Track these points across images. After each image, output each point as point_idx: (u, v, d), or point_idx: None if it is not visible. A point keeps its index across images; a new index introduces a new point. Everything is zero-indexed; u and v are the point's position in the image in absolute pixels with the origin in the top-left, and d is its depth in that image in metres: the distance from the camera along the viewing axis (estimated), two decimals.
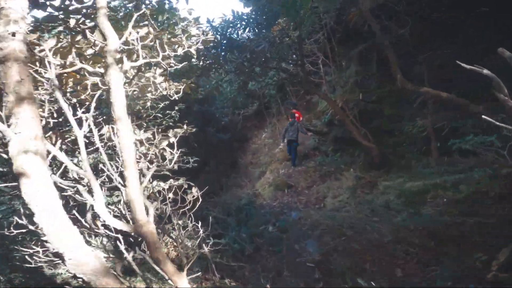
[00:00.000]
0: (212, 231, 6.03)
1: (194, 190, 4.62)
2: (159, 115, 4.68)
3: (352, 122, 6.75)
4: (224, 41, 6.14)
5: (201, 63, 5.89)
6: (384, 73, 7.57)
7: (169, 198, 3.99)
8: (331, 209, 6.43)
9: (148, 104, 4.20)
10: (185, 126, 3.78)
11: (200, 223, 3.86)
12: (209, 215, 7.26)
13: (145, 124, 4.58)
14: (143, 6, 3.62)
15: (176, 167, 4.33)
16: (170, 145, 3.71)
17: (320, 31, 7.68)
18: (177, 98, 3.35)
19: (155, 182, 3.90)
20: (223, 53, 6.00)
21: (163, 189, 3.83)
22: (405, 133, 6.85)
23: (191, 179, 10.96)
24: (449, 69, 4.77)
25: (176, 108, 4.97)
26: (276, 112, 15.10)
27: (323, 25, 7.29)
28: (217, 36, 5.95)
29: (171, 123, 4.29)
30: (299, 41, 6.19)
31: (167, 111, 4.80)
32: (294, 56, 7.14)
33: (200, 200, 3.81)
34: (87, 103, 2.68)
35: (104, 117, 3.66)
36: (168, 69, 3.07)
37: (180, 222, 4.65)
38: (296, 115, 9.00)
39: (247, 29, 6.27)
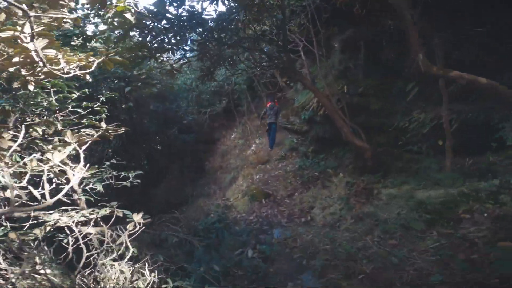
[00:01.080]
0: (171, 266, 4.43)
1: (137, 217, 3.08)
2: (79, 110, 2.93)
3: (342, 118, 5.55)
4: (183, 14, 4.53)
5: (146, 38, 4.19)
6: (373, 63, 6.53)
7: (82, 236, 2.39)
8: (323, 224, 5.15)
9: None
10: (103, 124, 2.16)
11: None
12: (169, 239, 5.59)
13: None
14: None
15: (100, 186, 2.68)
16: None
17: (302, 12, 6.38)
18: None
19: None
20: (178, 30, 4.38)
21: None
22: (400, 130, 5.83)
23: (139, 196, 9.03)
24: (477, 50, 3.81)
25: (102, 99, 3.24)
26: (246, 110, 13.65)
27: (306, 5, 6.00)
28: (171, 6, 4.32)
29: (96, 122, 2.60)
30: (283, 15, 4.80)
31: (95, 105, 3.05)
32: (275, 37, 5.75)
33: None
34: None
35: None
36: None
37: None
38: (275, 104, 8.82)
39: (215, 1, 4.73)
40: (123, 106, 7.06)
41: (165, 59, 5.38)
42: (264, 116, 9.02)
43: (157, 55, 4.67)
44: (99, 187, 3.34)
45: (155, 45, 4.37)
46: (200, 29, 4.81)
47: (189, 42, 4.79)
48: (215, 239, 5.70)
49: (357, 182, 5.59)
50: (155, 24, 4.16)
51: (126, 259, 3.02)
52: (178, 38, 4.54)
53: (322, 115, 6.83)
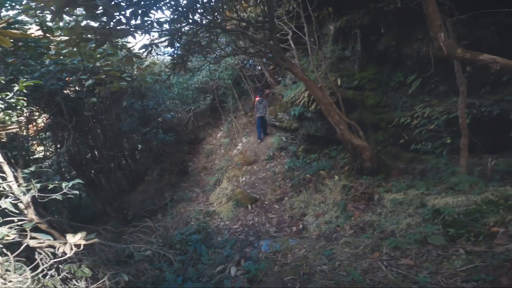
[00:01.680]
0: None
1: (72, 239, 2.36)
2: None
3: (338, 113, 4.83)
4: None
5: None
6: (369, 53, 5.87)
7: None
8: (317, 235, 4.41)
9: None
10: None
11: None
12: (136, 254, 4.72)
13: None
14: None
15: None
16: None
17: None
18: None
19: None
20: (139, 7, 3.53)
21: None
22: (400, 127, 5.18)
23: (114, 201, 8.03)
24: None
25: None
26: (232, 107, 12.84)
27: None
28: None
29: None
30: None
31: None
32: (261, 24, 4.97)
33: None
34: None
35: None
36: None
37: None
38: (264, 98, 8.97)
39: None
40: (85, 102, 6.10)
41: (127, 43, 4.48)
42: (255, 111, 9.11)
43: (115, 40, 3.79)
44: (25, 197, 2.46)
45: (109, 26, 3.48)
46: (170, 7, 3.97)
47: (155, 24, 3.92)
48: (193, 253, 4.89)
49: (354, 185, 4.90)
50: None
51: None
52: (139, 17, 3.68)
53: (314, 111, 6.11)
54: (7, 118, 2.47)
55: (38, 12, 3.91)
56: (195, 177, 10.44)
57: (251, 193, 6.62)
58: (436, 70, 4.96)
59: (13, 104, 2.18)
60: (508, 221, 2.60)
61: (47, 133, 9.01)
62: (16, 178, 2.65)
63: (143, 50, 4.22)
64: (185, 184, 10.09)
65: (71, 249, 2.20)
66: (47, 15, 4.33)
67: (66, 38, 3.36)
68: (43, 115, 8.31)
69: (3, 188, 2.38)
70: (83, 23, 3.62)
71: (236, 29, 4.46)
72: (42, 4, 3.11)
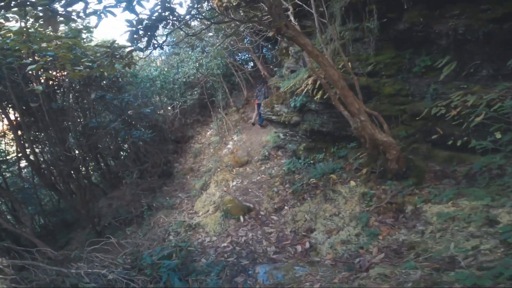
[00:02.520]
0: None
1: None
2: None
3: (357, 101, 3.70)
4: None
5: None
6: (388, 33, 4.80)
7: None
8: (332, 260, 3.26)
9: None
10: None
11: None
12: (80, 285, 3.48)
13: None
14: None
15: None
16: None
17: None
18: None
19: None
20: None
21: None
22: (430, 119, 4.11)
23: (84, 209, 6.70)
24: None
25: None
26: (223, 103, 11.62)
27: None
28: None
29: None
30: None
31: None
32: None
33: None
34: None
35: None
36: None
37: None
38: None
39: None
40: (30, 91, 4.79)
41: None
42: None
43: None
44: None
45: None
46: None
47: None
48: (167, 282, 3.67)
49: (377, 193, 3.78)
50: None
51: None
52: None
53: (319, 101, 4.97)
54: None
55: None
56: (180, 180, 9.16)
57: (244, 201, 5.43)
58: (478, 51, 3.94)
59: None
60: None
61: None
62: None
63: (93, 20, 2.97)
64: (168, 188, 8.81)
65: None
66: None
67: None
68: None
69: None
70: None
71: None
72: None
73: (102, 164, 9.73)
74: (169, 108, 12.72)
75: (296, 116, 5.64)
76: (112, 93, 7.89)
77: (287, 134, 6.08)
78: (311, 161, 5.63)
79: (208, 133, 11.81)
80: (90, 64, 4.64)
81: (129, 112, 7.71)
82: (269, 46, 9.61)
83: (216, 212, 5.58)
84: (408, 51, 4.86)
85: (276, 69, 7.98)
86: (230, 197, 5.41)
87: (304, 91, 5.15)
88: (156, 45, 3.53)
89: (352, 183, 4.07)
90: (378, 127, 3.78)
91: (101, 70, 4.82)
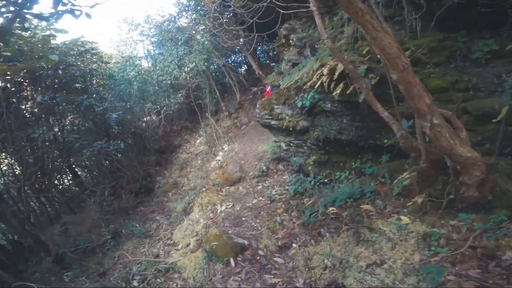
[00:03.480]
0: None
1: None
2: None
3: (425, 89, 2.25)
4: None
5: None
6: (428, 14, 3.47)
7: None
8: None
9: None
10: None
11: None
12: None
13: None
14: None
15: None
16: None
17: None
18: None
19: None
20: None
21: None
22: (509, 121, 2.71)
23: (33, 238, 4.90)
24: None
25: None
26: (214, 107, 10.17)
27: None
28: None
29: None
30: None
31: None
32: None
33: None
34: None
35: None
36: None
37: None
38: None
39: None
40: None
41: None
42: None
43: None
44: None
45: None
46: None
47: None
48: None
49: (448, 234, 2.33)
50: None
51: None
52: None
53: (339, 99, 3.54)
54: None
55: None
56: (160, 199, 7.57)
57: (236, 235, 3.90)
58: None
59: None
60: None
61: None
62: None
63: None
64: (144, 209, 7.20)
65: None
66: None
67: None
68: None
69: None
70: None
71: None
72: None
73: (59, 182, 8.04)
74: (153, 113, 11.17)
75: (303, 120, 4.19)
76: (73, 96, 6.33)
77: (292, 144, 4.61)
78: (325, 180, 4.16)
79: (198, 141, 10.29)
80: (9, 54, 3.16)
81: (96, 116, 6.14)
82: (264, 42, 8.20)
83: (198, 250, 4.05)
84: (459, 33, 3.52)
85: (273, 64, 6.58)
86: (216, 231, 3.87)
87: (315, 86, 3.71)
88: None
89: (405, 219, 2.58)
90: (463, 138, 2.33)
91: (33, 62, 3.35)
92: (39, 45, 4.21)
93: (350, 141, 3.81)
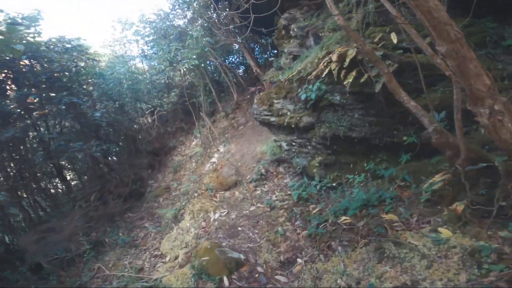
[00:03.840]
0: None
1: None
2: None
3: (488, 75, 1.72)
4: None
5: None
6: None
7: None
8: None
9: None
10: None
11: None
12: None
13: None
14: None
15: None
16: None
17: None
18: None
19: None
20: None
21: None
22: None
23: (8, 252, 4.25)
24: None
25: None
26: (210, 107, 9.64)
27: None
28: None
29: None
30: None
31: None
32: None
33: None
34: None
35: None
36: None
37: None
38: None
39: None
40: None
41: None
42: None
43: None
44: None
45: None
46: None
47: None
48: None
49: (500, 248, 1.78)
50: None
51: None
52: None
53: (350, 89, 3.01)
54: None
55: None
56: (150, 204, 6.97)
57: (230, 248, 3.33)
58: None
59: None
60: None
61: None
62: None
63: None
64: (133, 215, 6.60)
65: None
66: None
67: None
68: None
69: None
70: None
71: None
72: None
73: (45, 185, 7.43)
74: (146, 114, 10.60)
75: (307, 115, 3.65)
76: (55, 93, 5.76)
77: (294, 144, 4.07)
78: (332, 184, 3.62)
79: (193, 143, 9.72)
80: None
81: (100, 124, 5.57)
82: (262, 36, 7.69)
83: (187, 265, 3.47)
84: (487, 19, 3.05)
85: (272, 59, 6.07)
86: (207, 244, 3.30)
87: (323, 75, 3.18)
88: None
89: (445, 231, 2.03)
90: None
91: None
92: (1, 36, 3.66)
93: (362, 139, 3.28)
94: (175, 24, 9.25)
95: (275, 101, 4.07)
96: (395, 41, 3.11)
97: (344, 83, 2.94)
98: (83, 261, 5.00)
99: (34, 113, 5.21)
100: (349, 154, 3.57)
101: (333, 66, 3.05)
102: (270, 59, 7.07)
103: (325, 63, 3.15)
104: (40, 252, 5.23)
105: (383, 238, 2.34)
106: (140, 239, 5.39)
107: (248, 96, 9.98)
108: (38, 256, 5.12)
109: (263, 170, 4.71)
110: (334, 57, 3.04)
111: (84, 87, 7.26)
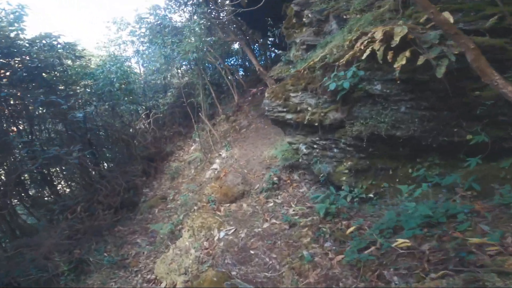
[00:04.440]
0: None
1: None
2: None
3: None
4: None
5: None
6: None
7: None
8: None
9: None
10: None
11: None
12: None
13: None
14: None
15: None
16: None
17: None
18: None
19: None
20: None
21: None
22: None
23: None
24: None
25: None
26: (210, 111, 8.93)
27: None
28: None
29: None
30: None
31: None
32: None
33: None
34: None
35: None
36: None
37: None
38: None
39: None
40: None
41: None
42: None
43: None
44: None
45: None
46: None
47: None
48: None
49: None
50: None
51: None
52: None
53: (405, 77, 2.30)
54: None
55: None
56: (144, 215, 6.14)
57: (243, 279, 2.55)
58: None
59: None
60: None
61: None
62: None
63: None
64: (124, 229, 5.75)
65: None
66: None
67: None
68: None
69: None
70: None
71: None
72: None
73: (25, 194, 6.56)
74: (142, 117, 9.81)
75: (335, 110, 2.92)
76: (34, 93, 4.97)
77: (315, 146, 3.33)
78: (367, 194, 2.88)
79: (192, 147, 8.95)
80: None
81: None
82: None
83: None
84: None
85: (279, 52, 5.31)
86: (213, 275, 2.51)
87: (362, 57, 2.47)
88: None
89: None
90: None
91: None
92: None
93: (409, 139, 2.56)
94: (172, 19, 8.59)
95: (291, 94, 3.34)
96: (451, 20, 2.42)
97: (395, 66, 2.23)
98: (61, 285, 4.15)
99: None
100: (388, 157, 2.85)
101: (376, 46, 2.34)
102: (271, 59, 6.38)
103: (364, 44, 2.45)
104: (13, 270, 4.37)
105: (474, 266, 1.60)
106: (131, 257, 4.56)
107: (250, 98, 9.27)
108: (10, 275, 4.26)
109: (275, 178, 3.95)
110: (378, 34, 2.33)
111: (73, 87, 6.47)
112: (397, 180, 2.81)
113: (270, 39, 8.93)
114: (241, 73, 11.75)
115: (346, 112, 2.83)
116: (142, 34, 9.31)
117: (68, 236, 5.39)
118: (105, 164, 8.08)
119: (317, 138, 3.21)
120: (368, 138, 2.68)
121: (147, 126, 9.76)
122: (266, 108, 3.61)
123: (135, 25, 9.37)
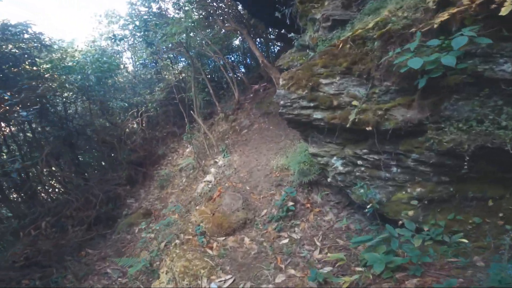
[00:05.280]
0: None
1: None
2: None
3: None
4: None
5: None
6: None
7: None
8: None
9: None
10: None
11: None
12: None
13: None
14: None
15: None
16: None
17: None
18: None
19: None
20: None
21: None
22: None
23: None
24: None
25: None
26: (207, 109, 7.76)
27: None
28: None
29: None
30: None
31: None
32: None
33: None
34: None
35: None
36: None
37: None
38: None
39: None
40: None
41: None
42: None
43: None
44: None
45: None
46: None
47: None
48: None
49: None
50: None
51: None
52: None
53: None
54: None
55: None
56: (122, 235, 4.91)
57: None
58: None
59: None
60: None
61: None
62: None
63: None
64: (94, 252, 4.50)
65: None
66: None
67: None
68: None
69: None
70: None
71: None
72: None
73: None
74: (129, 115, 8.57)
75: (406, 106, 1.73)
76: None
77: (361, 161, 2.14)
78: (456, 237, 1.70)
79: (188, 150, 7.72)
80: None
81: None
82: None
83: None
84: None
85: (291, 35, 4.09)
86: None
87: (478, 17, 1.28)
88: None
89: None
90: None
91: None
92: None
93: None
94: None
95: (322, 80, 2.14)
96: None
97: None
98: None
99: None
100: (490, 182, 1.66)
101: None
102: (275, 53, 5.20)
103: None
104: None
105: None
106: None
107: (251, 95, 8.10)
108: None
109: (290, 204, 2.75)
110: None
111: (39, 81, 5.23)
112: (501, 214, 1.63)
113: (275, 30, 7.73)
114: (242, 70, 10.65)
115: (428, 109, 1.63)
116: (136, 27, 8.17)
117: (26, 258, 4.16)
118: (86, 171, 6.84)
119: (366, 151, 2.02)
120: (473, 153, 1.49)
121: (136, 126, 8.55)
122: (281, 102, 2.40)
123: (128, 18, 8.23)
